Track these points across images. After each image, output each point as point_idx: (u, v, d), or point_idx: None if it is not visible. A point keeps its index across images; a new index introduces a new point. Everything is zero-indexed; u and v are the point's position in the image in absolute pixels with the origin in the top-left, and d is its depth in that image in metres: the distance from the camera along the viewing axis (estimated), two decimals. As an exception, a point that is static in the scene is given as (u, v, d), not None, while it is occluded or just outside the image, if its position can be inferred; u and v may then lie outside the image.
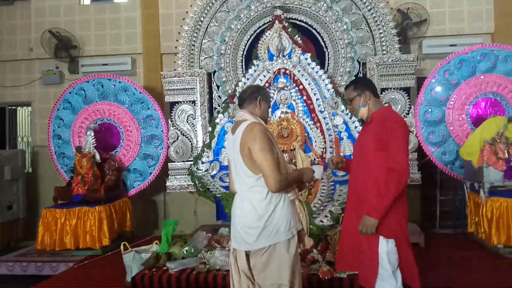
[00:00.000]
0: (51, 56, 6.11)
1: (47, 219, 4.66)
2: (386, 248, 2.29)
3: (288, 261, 2.16)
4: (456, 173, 4.89)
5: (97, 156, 4.90)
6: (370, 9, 4.98)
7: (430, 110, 4.92)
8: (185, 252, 3.71)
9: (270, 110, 2.49)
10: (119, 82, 5.40)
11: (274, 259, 2.15)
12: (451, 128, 4.89)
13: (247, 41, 5.24)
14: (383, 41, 4.97)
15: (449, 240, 4.80)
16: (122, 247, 3.77)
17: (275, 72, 4.76)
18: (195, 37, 5.32)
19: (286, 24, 4.84)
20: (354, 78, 4.88)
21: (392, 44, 4.94)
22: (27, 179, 6.07)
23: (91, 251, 4.62)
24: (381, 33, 4.97)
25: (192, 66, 5.31)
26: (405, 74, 4.80)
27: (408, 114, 4.78)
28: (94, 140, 4.94)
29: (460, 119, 4.88)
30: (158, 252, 3.70)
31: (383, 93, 4.83)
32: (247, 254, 2.22)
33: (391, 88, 4.84)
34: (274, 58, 4.78)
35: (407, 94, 4.83)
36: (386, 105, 4.64)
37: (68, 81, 6.04)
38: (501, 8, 5.64)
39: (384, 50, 4.96)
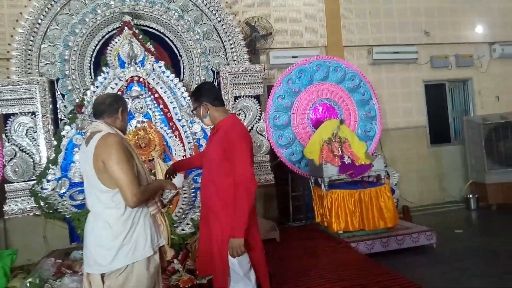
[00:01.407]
0: None
1: None
2: None
3: (147, 280, 2.07)
4: (303, 171, 5.45)
5: None
6: (220, 21, 5.19)
7: (278, 115, 5.39)
8: (28, 284, 3.28)
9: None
10: None
11: (131, 280, 2.02)
12: (296, 131, 5.45)
13: (95, 46, 4.93)
14: (233, 51, 5.24)
15: (301, 231, 5.30)
16: None
17: (127, 80, 4.59)
18: (32, 41, 4.74)
19: (137, 31, 4.71)
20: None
21: (242, 55, 5.23)
22: None
23: None
24: (231, 44, 5.23)
25: (29, 73, 4.72)
26: (255, 83, 5.11)
27: (259, 120, 5.13)
28: None
29: (303, 122, 5.47)
30: (-7, 290, 3.20)
31: (237, 100, 5.08)
32: (103, 277, 2.05)
33: (243, 96, 5.11)
34: (126, 65, 4.59)
35: (258, 102, 5.16)
36: (238, 112, 5.00)
37: None
38: (331, 24, 6.55)
39: (235, 60, 5.22)
